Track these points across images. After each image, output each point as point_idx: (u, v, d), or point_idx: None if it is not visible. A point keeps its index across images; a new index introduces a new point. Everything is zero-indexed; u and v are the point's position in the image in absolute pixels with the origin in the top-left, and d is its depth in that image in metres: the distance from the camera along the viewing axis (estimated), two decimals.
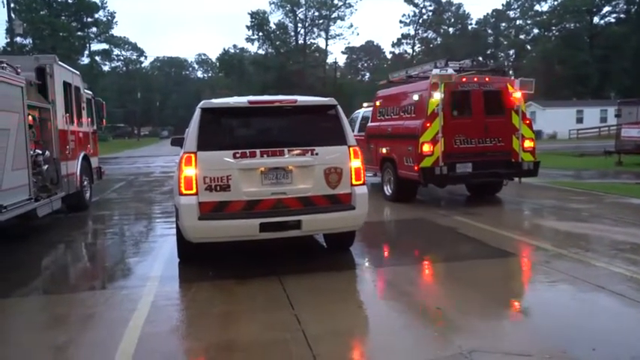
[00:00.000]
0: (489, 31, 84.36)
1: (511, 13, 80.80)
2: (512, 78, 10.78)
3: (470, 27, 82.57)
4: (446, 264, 6.21)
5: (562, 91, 62.35)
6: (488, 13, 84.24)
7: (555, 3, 67.31)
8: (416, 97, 10.43)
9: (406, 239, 7.92)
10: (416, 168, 9.79)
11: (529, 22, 73.85)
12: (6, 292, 5.46)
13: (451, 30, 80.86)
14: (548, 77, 65.09)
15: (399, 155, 10.53)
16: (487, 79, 10.48)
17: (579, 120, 50.45)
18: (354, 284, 5.65)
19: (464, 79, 10.23)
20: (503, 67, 10.47)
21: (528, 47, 76.10)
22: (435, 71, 9.89)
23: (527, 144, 10.24)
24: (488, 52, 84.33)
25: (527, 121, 10.42)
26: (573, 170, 17.70)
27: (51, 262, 7.12)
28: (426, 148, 9.60)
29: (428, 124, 9.67)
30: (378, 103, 12.27)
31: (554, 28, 68.28)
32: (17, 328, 4.61)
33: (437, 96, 9.65)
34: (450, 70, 9.95)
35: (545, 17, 69.00)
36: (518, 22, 79.44)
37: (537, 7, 71.15)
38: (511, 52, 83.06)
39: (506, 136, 10.16)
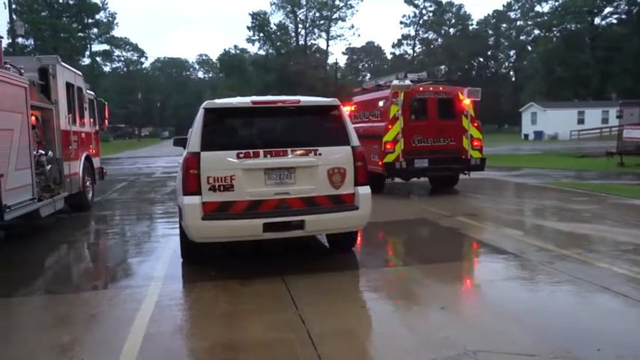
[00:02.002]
0: (490, 31, 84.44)
1: (512, 14, 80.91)
2: (462, 88, 12.37)
3: (470, 28, 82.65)
4: (448, 264, 6.21)
5: (563, 92, 62.36)
6: (488, 14, 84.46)
7: (556, 4, 67.36)
8: (381, 104, 12.25)
9: (409, 240, 7.92)
10: (380, 163, 11.44)
11: (530, 23, 73.87)
12: (9, 291, 5.47)
13: (452, 31, 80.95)
14: (549, 78, 65.19)
15: (367, 153, 11.43)
16: (441, 88, 12.32)
17: (580, 121, 50.44)
18: (358, 284, 5.66)
19: (421, 89, 12.07)
20: (454, 78, 13.51)
21: (529, 48, 76.16)
22: (395, 82, 11.81)
23: (476, 143, 12.00)
24: (489, 52, 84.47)
25: (476, 124, 12.07)
26: (574, 171, 17.69)
27: (54, 261, 7.13)
28: (388, 146, 11.37)
29: (390, 127, 11.42)
30: (353, 108, 13.74)
31: (555, 29, 68.29)
32: (21, 327, 4.62)
33: (397, 103, 11.42)
34: (408, 81, 11.91)
35: (546, 18, 69.01)
36: (518, 22, 79.53)
37: (538, 8, 71.28)
38: (512, 52, 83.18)
39: (457, 136, 11.87)
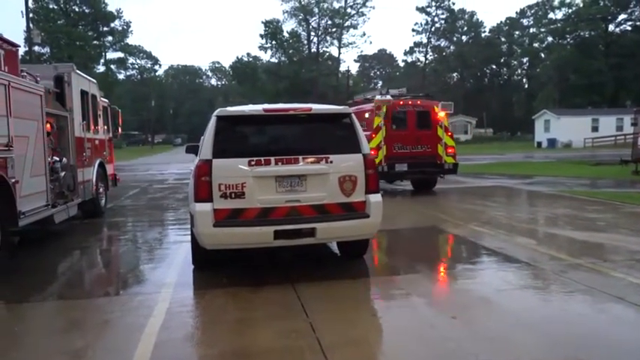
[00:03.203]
0: (503, 39, 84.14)
1: (525, 22, 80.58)
2: (438, 102, 14.29)
3: (483, 35, 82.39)
4: (460, 273, 6.17)
5: (576, 99, 61.83)
6: (501, 21, 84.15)
7: (570, 11, 66.96)
8: (367, 115, 13.72)
9: (420, 248, 7.87)
10: None
11: (543, 30, 73.48)
12: (24, 297, 5.53)
13: (464, 38, 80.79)
14: (563, 85, 64.72)
15: None
16: (419, 102, 14.27)
17: (595, 128, 49.92)
18: (368, 292, 5.64)
19: (402, 102, 13.92)
20: (431, 95, 16.54)
21: (542, 55, 75.72)
22: (378, 97, 13.68)
23: (449, 150, 13.72)
24: (502, 60, 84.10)
25: (449, 133, 13.94)
26: (588, 179, 17.49)
27: (67, 267, 7.20)
28: (372, 152, 13.25)
29: (373, 135, 13.08)
30: None
31: (568, 36, 67.84)
32: (34, 333, 4.65)
33: (380, 114, 13.26)
34: (389, 96, 13.72)
35: (559, 25, 68.59)
36: (532, 30, 79.19)
37: (551, 15, 70.84)
38: (525, 60, 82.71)
39: (432, 144, 13.69)
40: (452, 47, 78.90)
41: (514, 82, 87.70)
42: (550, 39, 72.76)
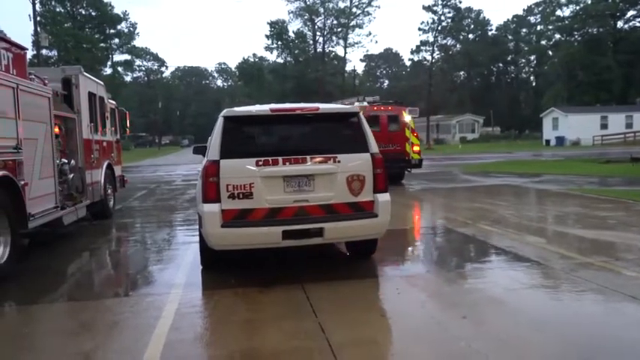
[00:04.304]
0: (510, 37, 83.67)
1: (532, 19, 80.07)
2: (406, 107, 17.23)
3: (490, 33, 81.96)
4: (469, 272, 6.14)
5: (585, 96, 61.38)
6: (508, 19, 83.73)
7: (578, 8, 66.36)
8: None
9: (429, 247, 7.84)
10: None
11: (550, 27, 72.93)
12: (33, 298, 5.55)
13: (471, 36, 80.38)
14: (571, 83, 64.30)
15: None
16: (390, 107, 16.74)
17: (604, 126, 49.59)
18: (377, 292, 5.61)
19: (375, 108, 16.39)
20: (400, 101, 19.21)
21: (550, 53, 75.18)
22: (356, 103, 15.92)
23: (415, 148, 16.30)
24: (509, 58, 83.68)
25: (415, 134, 16.59)
26: (598, 177, 17.35)
27: (77, 268, 7.22)
28: None
29: None
30: None
31: (576, 33, 67.33)
32: (44, 334, 4.67)
33: None
34: (365, 103, 16.48)
35: (567, 22, 68.05)
36: (539, 27, 78.67)
37: (559, 12, 70.24)
38: (532, 57, 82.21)
39: (401, 143, 16.14)
40: (458, 46, 78.43)
41: (521, 80, 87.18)
42: (558, 36, 72.24)
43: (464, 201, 12.48)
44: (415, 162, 16.36)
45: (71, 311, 5.33)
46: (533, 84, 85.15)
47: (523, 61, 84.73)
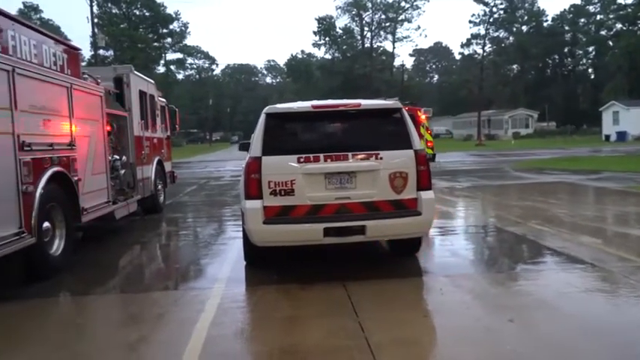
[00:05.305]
0: (566, 27, 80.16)
1: (591, 8, 76.34)
2: (421, 108, 17.94)
3: (545, 24, 78.81)
4: (518, 273, 5.91)
5: None
6: (565, 9, 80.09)
7: None
8: None
9: (476, 246, 7.61)
10: None
11: (611, 16, 69.37)
12: (86, 290, 5.79)
13: (524, 28, 77.54)
14: (633, 75, 60.99)
15: None
16: (407, 108, 19.61)
17: None
18: (421, 292, 5.49)
19: None
20: (415, 102, 20.91)
21: (610, 43, 71.53)
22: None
23: (429, 144, 16.90)
24: (565, 50, 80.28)
25: (429, 131, 17.81)
26: None
27: (127, 262, 7.47)
28: None
29: None
30: None
31: (639, 21, 63.71)
32: (95, 324, 4.88)
33: None
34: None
35: (629, 11, 64.47)
36: (598, 17, 74.91)
37: (620, 0, 66.70)
38: (590, 49, 78.51)
39: None
40: (511, 38, 75.86)
41: (579, 72, 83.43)
42: (619, 26, 68.63)
43: (514, 199, 12.06)
44: (429, 157, 18.03)
45: (121, 303, 5.54)
46: (592, 77, 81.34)
47: (581, 52, 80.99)
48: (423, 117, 17.39)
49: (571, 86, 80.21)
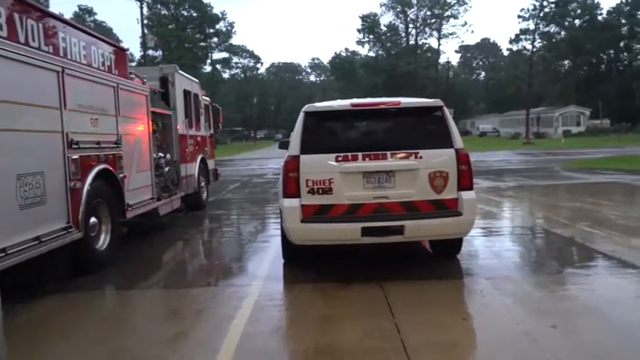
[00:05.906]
0: (623, 20, 76.53)
1: None
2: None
3: (600, 18, 75.51)
4: (564, 277, 5.68)
5: None
6: (621, 1, 76.45)
7: None
8: None
9: (520, 248, 7.37)
10: None
11: None
12: (130, 284, 5.98)
13: (577, 22, 74.54)
14: None
15: None
16: None
17: None
18: (460, 295, 5.36)
19: None
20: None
21: None
22: None
23: None
24: (621, 44, 76.68)
25: None
26: None
27: (170, 258, 7.66)
28: None
29: None
30: None
31: None
32: (136, 319, 5.02)
33: None
34: None
35: None
36: None
37: None
38: None
39: None
40: (563, 33, 73.08)
41: (636, 67, 79.35)
42: None
43: (563, 199, 11.63)
44: None
45: (162, 298, 5.68)
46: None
47: (638, 47, 77.17)
48: None
49: (627, 82, 76.45)
